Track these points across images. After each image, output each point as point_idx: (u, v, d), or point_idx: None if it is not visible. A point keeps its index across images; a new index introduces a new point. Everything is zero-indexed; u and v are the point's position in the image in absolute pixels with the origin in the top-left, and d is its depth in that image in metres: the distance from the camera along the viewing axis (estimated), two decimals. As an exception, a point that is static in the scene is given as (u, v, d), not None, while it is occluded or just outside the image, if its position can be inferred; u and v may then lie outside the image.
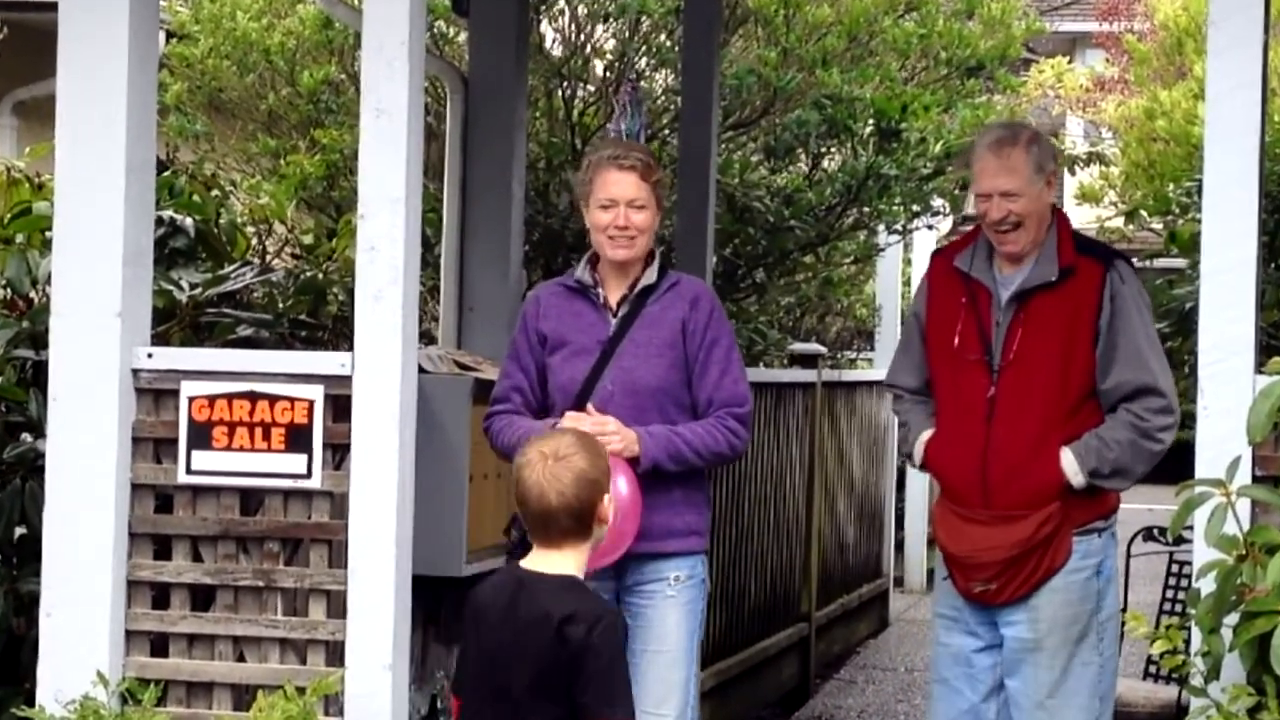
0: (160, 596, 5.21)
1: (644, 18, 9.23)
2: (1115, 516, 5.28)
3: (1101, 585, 5.16)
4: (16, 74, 12.21)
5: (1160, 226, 10.51)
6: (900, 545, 13.37)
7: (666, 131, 9.48)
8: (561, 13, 9.49)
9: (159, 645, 5.20)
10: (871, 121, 9.92)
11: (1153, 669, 7.41)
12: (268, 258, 8.06)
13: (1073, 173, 12.68)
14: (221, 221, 7.09)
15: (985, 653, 5.24)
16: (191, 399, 5.14)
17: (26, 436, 5.99)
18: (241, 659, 5.15)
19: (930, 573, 13.43)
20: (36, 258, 6.19)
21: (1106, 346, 5.10)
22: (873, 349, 13.56)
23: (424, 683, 5.71)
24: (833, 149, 10.27)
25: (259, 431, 5.11)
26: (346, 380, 5.05)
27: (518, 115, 7.42)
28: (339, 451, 5.09)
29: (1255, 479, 4.62)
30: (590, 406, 4.97)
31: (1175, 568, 7.63)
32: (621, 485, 4.73)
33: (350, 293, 6.49)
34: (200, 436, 5.13)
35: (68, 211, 5.18)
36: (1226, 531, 4.33)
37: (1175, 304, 8.72)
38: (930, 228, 11.85)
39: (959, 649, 5.27)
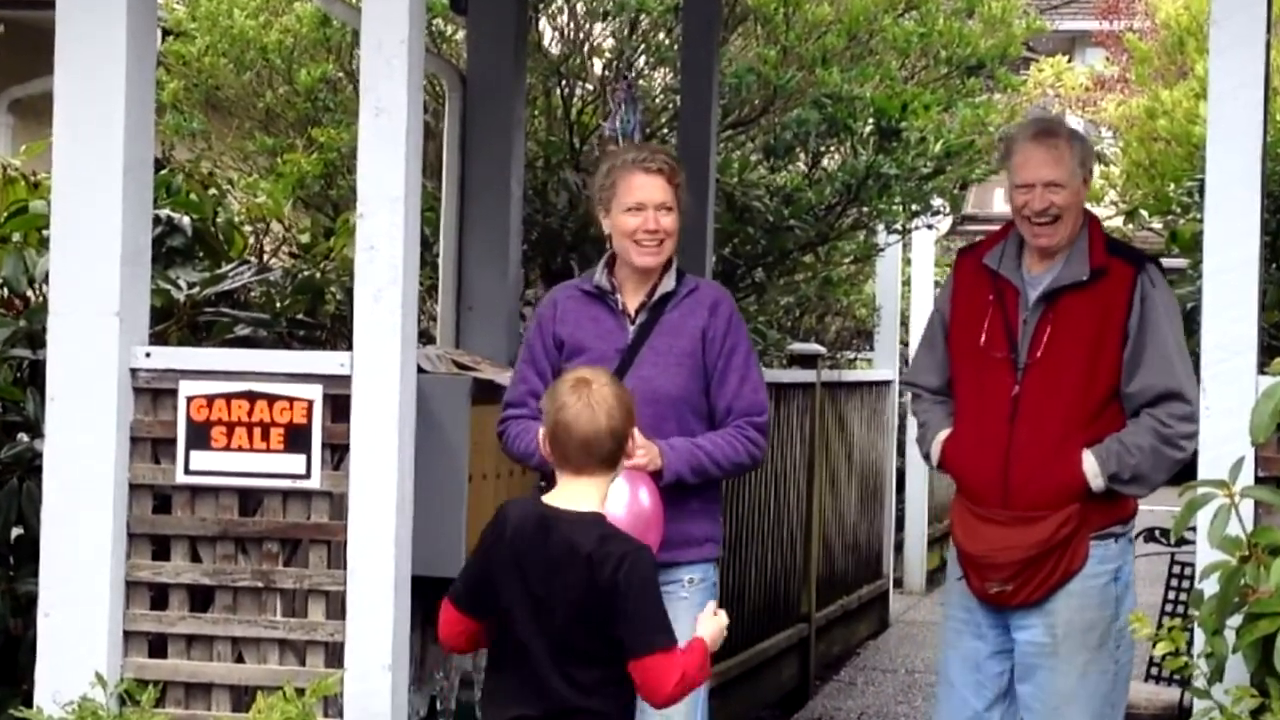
0: (159, 597, 5.19)
1: (643, 16, 9.21)
2: (1133, 522, 5.25)
3: (1119, 591, 5.12)
4: (12, 71, 12.20)
5: (1160, 226, 10.50)
6: (900, 546, 13.34)
7: (665, 130, 9.46)
8: (560, 11, 9.47)
9: (157, 646, 5.18)
10: (871, 120, 9.90)
11: (1155, 671, 7.39)
12: (265, 257, 8.04)
13: (1073, 172, 12.64)
14: (219, 220, 7.08)
15: (994, 659, 5.21)
16: (190, 399, 5.12)
17: (24, 436, 5.96)
18: (240, 660, 5.13)
19: (930, 574, 13.45)
20: (33, 256, 6.18)
21: (1134, 350, 5.07)
22: (872, 349, 13.53)
23: (423, 683, 5.69)
24: (832, 148, 10.25)
25: (258, 431, 5.08)
26: (346, 380, 5.03)
27: (516, 114, 7.40)
28: (338, 451, 5.07)
29: (1258, 480, 4.60)
30: None
31: (1177, 569, 7.63)
32: (644, 497, 4.71)
33: (348, 292, 6.47)
34: (199, 436, 5.11)
35: (66, 210, 5.16)
36: (1230, 533, 4.31)
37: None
38: (930, 227, 11.84)
39: (968, 652, 5.24)
